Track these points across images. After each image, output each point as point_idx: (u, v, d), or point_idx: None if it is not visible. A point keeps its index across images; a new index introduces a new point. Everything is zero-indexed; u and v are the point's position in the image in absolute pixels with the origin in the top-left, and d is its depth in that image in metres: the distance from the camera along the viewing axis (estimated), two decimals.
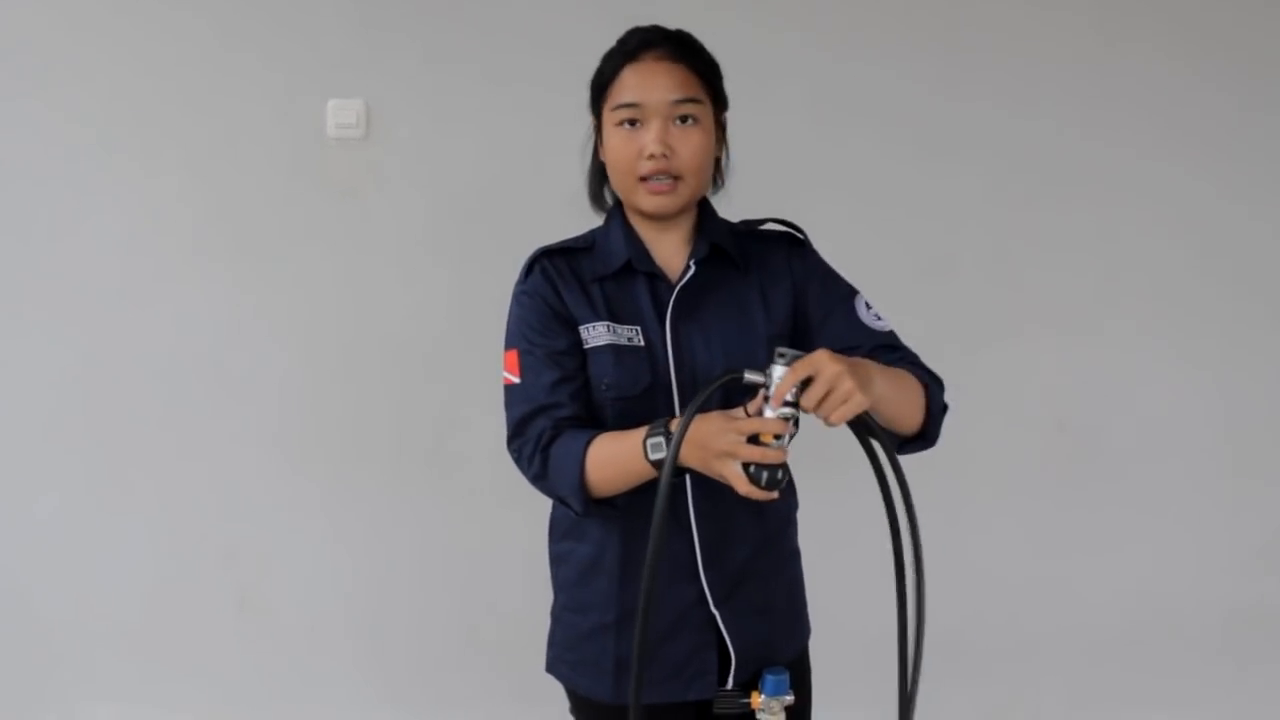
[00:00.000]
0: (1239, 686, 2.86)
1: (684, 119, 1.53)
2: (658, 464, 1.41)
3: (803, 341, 1.58)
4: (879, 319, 1.61)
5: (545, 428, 1.54)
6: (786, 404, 1.34)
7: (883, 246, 2.71)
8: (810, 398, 1.33)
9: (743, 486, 1.37)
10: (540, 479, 1.55)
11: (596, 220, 1.69)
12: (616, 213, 1.64)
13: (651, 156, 1.52)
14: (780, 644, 1.64)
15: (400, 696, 2.80)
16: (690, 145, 1.54)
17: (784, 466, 1.38)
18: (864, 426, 1.39)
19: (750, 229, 1.67)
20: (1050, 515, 2.84)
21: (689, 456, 1.41)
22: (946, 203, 2.77)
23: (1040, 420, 2.83)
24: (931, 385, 1.54)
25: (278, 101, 2.67)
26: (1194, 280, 2.82)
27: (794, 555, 1.70)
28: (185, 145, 2.68)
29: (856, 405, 1.34)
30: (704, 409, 1.37)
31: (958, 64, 2.74)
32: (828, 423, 1.35)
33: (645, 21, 1.62)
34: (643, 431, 1.44)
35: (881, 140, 2.73)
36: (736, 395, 1.42)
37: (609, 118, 1.56)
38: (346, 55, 2.67)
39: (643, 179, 1.55)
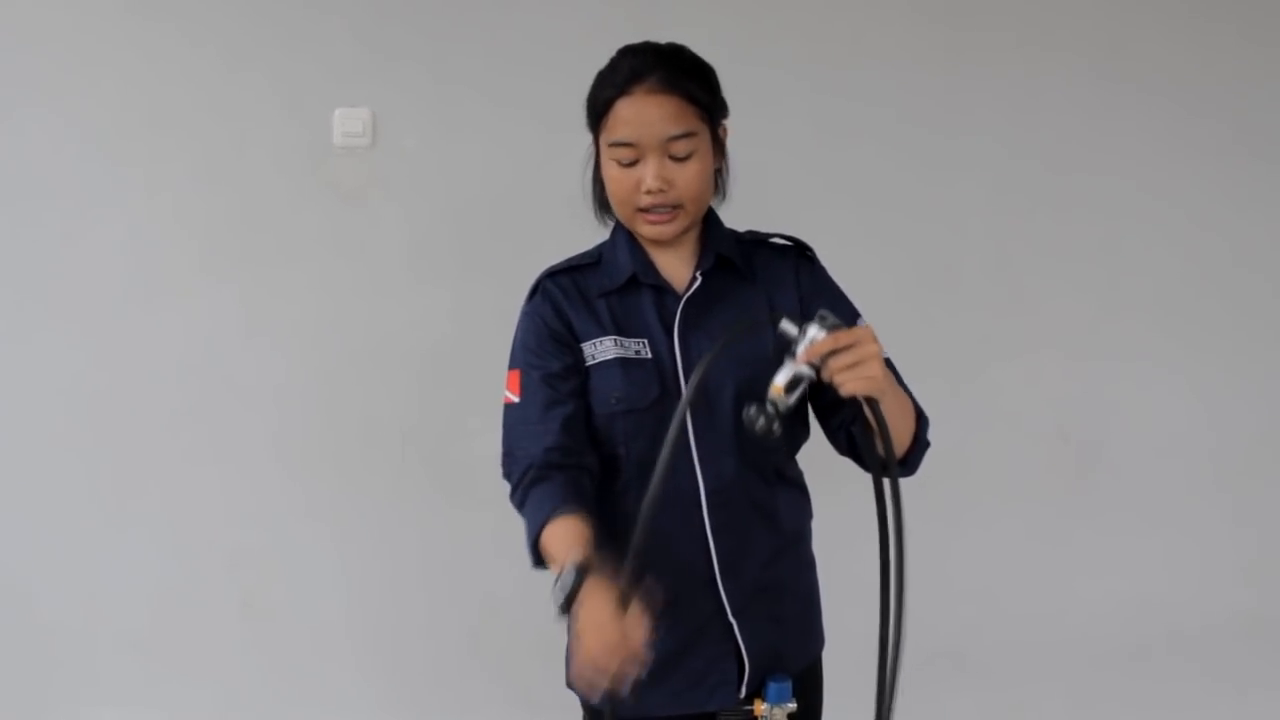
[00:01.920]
0: (1241, 697, 2.86)
1: (680, 152, 1.52)
2: (559, 605, 1.36)
3: None
4: None
5: (530, 464, 1.52)
6: (809, 364, 1.34)
7: (886, 256, 2.72)
8: (839, 361, 1.33)
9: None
10: (518, 509, 1.55)
11: (600, 227, 1.69)
12: (621, 227, 1.64)
13: (649, 192, 1.53)
14: (791, 654, 1.63)
15: (404, 703, 2.80)
16: (687, 176, 1.53)
17: (780, 419, 1.35)
18: (872, 411, 1.38)
19: (757, 238, 1.67)
20: (1053, 525, 2.85)
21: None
22: (949, 213, 2.78)
23: (1043, 430, 2.83)
24: (921, 419, 1.56)
25: (285, 110, 2.68)
26: (1197, 291, 2.83)
27: (809, 566, 1.70)
28: (192, 153, 2.69)
29: (874, 387, 1.35)
30: (718, 411, 1.40)
31: (960, 74, 2.75)
32: (840, 391, 1.35)
33: (652, 31, 1.63)
34: (568, 553, 1.39)
35: (884, 149, 2.74)
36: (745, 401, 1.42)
37: (606, 150, 1.56)
38: (353, 64, 2.68)
39: (642, 210, 1.55)
